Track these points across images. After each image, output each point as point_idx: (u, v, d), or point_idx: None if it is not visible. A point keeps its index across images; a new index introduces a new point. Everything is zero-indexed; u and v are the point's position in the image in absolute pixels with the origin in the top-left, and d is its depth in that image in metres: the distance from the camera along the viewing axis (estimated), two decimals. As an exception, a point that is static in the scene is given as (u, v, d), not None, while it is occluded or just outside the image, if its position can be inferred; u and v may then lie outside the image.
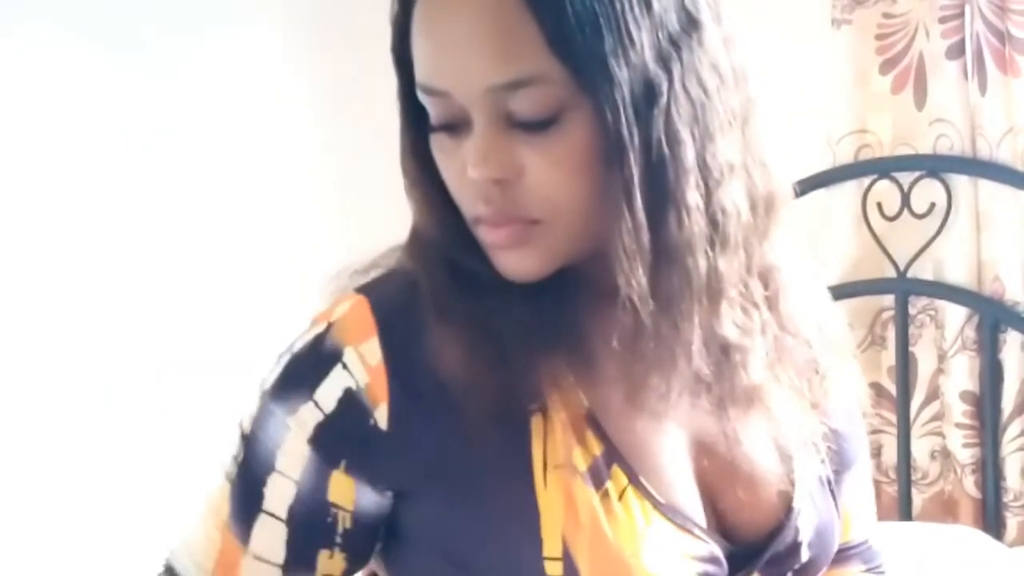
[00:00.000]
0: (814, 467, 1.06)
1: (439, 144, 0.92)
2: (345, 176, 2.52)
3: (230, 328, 2.34)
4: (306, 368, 0.94)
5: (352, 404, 0.92)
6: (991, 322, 2.23)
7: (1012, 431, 2.24)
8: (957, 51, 2.24)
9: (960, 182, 2.26)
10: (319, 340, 0.94)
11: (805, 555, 1.04)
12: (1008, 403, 2.24)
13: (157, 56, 2.27)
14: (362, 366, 0.92)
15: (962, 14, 2.23)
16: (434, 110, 0.91)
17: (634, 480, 0.94)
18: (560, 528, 0.91)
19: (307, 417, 0.93)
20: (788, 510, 1.03)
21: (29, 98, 2.15)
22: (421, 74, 0.90)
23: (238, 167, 2.40)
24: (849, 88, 2.32)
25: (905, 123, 2.31)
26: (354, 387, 0.92)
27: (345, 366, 0.92)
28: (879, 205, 2.32)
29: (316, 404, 0.93)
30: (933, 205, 2.28)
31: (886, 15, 2.29)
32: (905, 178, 2.30)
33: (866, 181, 2.33)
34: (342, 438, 0.93)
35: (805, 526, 1.04)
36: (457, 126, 0.90)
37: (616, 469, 0.93)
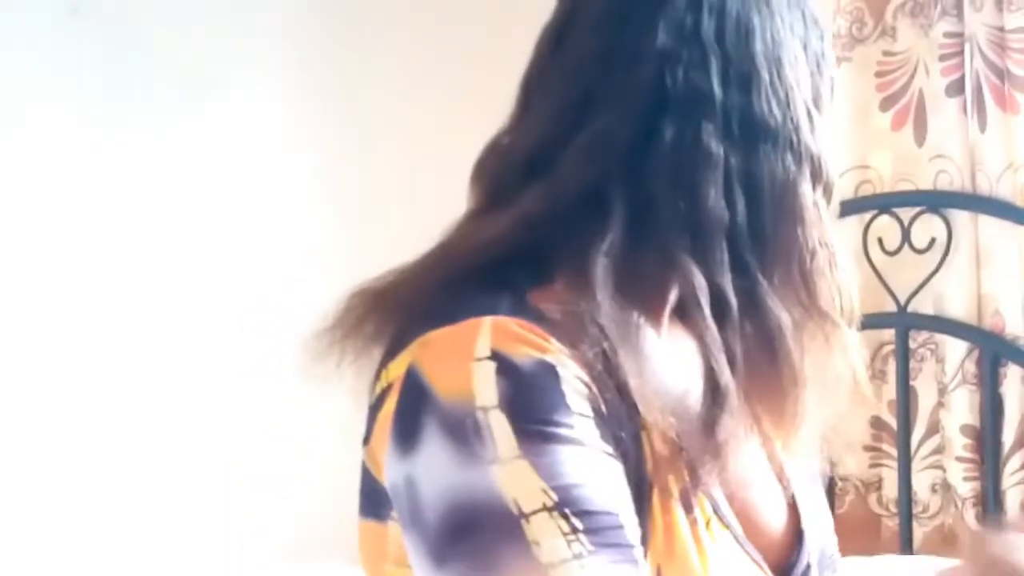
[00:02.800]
0: (811, 486, 1.07)
1: None
2: (346, 237, 2.55)
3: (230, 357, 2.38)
4: (535, 395, 0.85)
5: (594, 399, 0.87)
6: (991, 356, 2.24)
7: (1013, 464, 2.24)
8: (957, 88, 2.27)
9: (960, 217, 2.28)
10: (509, 368, 0.85)
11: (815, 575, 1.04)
12: (1009, 437, 2.25)
13: (155, 126, 2.33)
14: (569, 360, 0.86)
15: (962, 52, 2.27)
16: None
17: (717, 510, 0.93)
18: (658, 553, 0.89)
19: (588, 430, 0.85)
20: (798, 533, 1.03)
21: (32, 171, 2.20)
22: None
23: (240, 232, 2.44)
24: (850, 124, 2.35)
25: (905, 159, 2.34)
26: (586, 380, 0.86)
27: (560, 368, 0.86)
28: (880, 240, 2.35)
29: (583, 415, 0.85)
30: (933, 240, 2.30)
31: (886, 52, 2.33)
32: (905, 213, 2.32)
33: (867, 216, 2.35)
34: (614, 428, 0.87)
35: (813, 547, 1.04)
36: None
37: (702, 497, 0.92)
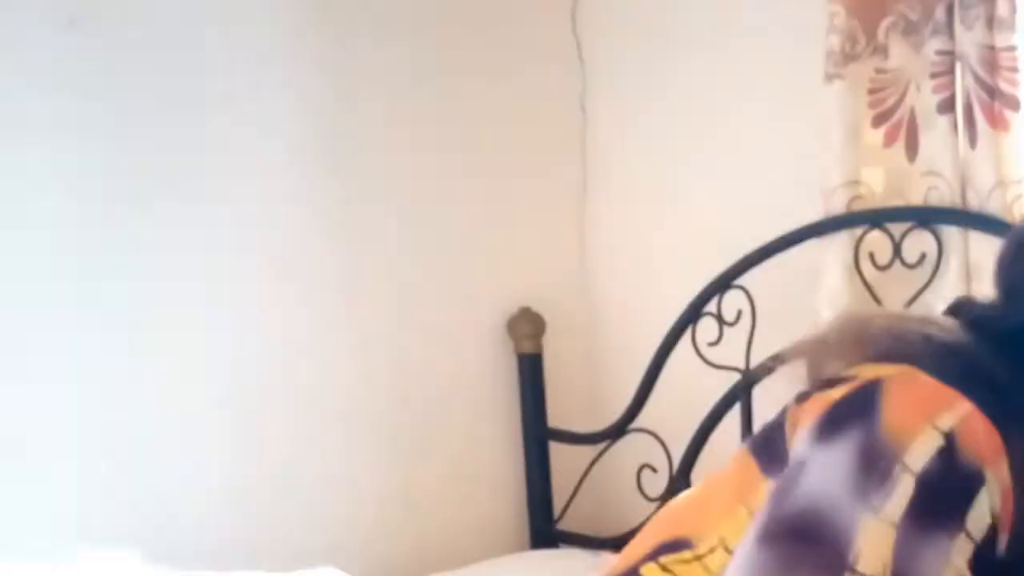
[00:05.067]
0: None
1: None
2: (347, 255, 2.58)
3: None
4: (951, 491, 0.86)
5: (994, 533, 0.87)
6: (981, 371, 2.26)
7: (1001, 478, 2.26)
8: (948, 106, 2.29)
9: (950, 233, 2.30)
10: (950, 456, 0.86)
11: None
12: (998, 450, 2.26)
13: (153, 137, 2.36)
14: (997, 489, 0.87)
15: (953, 70, 2.29)
16: None
17: None
18: None
19: (961, 549, 0.85)
20: None
21: (30, 182, 2.23)
22: None
23: (237, 236, 2.46)
24: (842, 141, 2.37)
25: (897, 175, 2.36)
26: (995, 512, 0.87)
27: (987, 489, 0.86)
28: (871, 255, 2.37)
29: (968, 534, 0.86)
30: (924, 255, 2.32)
31: (878, 70, 2.35)
32: (896, 229, 2.34)
33: (858, 231, 2.37)
34: (988, 570, 0.87)
35: None
36: None
37: None
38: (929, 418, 0.86)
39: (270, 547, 2.45)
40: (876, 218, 2.36)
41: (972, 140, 2.26)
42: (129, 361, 2.34)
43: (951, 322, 1.00)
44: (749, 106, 2.58)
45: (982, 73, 2.24)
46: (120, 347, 2.33)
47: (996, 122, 2.24)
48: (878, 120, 2.37)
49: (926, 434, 0.85)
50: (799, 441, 0.91)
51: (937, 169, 2.31)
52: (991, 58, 2.24)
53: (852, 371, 0.93)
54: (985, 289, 2.25)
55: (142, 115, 2.35)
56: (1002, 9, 2.21)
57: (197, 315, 2.41)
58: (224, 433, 2.43)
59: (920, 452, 0.85)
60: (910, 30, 2.33)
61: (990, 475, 0.86)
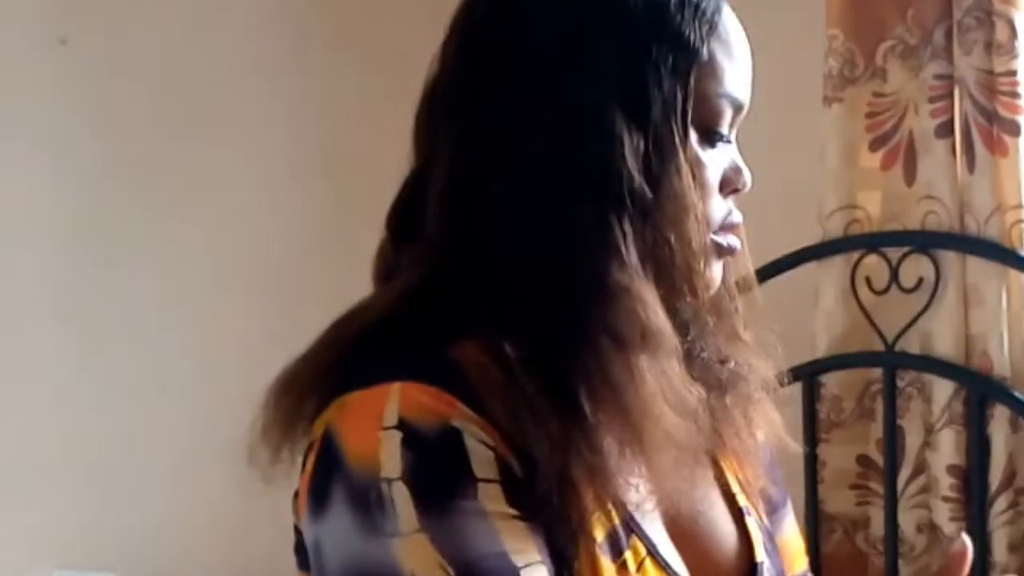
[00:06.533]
0: (762, 518, 1.09)
1: (712, 159, 0.98)
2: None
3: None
4: (438, 464, 0.86)
5: (503, 461, 0.87)
6: (978, 397, 2.25)
7: (999, 505, 2.24)
8: (946, 130, 2.29)
9: (948, 258, 2.30)
10: (414, 437, 0.85)
11: None
12: (995, 477, 2.25)
13: (143, 154, 2.35)
14: (476, 427, 0.87)
15: (951, 94, 2.28)
16: (724, 124, 0.99)
17: (652, 551, 0.93)
18: None
19: (489, 496, 0.86)
20: (752, 566, 1.04)
21: (20, 199, 2.22)
22: (735, 87, 0.98)
23: (235, 249, 2.45)
24: (839, 164, 2.36)
25: (894, 199, 2.35)
26: (491, 446, 0.87)
27: (467, 435, 0.86)
28: (868, 279, 2.36)
29: (486, 480, 0.86)
30: (921, 280, 2.31)
31: (876, 94, 2.35)
32: (894, 253, 2.33)
33: (855, 255, 2.36)
34: (522, 493, 0.87)
35: None
36: (722, 140, 0.99)
37: (635, 539, 0.92)
38: (376, 425, 0.86)
39: (259, 570, 2.43)
40: (873, 242, 2.35)
41: (970, 165, 2.26)
42: (110, 381, 2.33)
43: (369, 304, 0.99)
44: (745, 128, 2.56)
45: (980, 98, 2.24)
46: (101, 367, 2.31)
47: (994, 147, 2.23)
48: (876, 144, 2.36)
49: (383, 440, 0.85)
50: (305, 530, 0.91)
51: (935, 193, 2.30)
52: (989, 83, 2.23)
53: (310, 434, 0.92)
54: (984, 314, 2.26)
55: (132, 131, 2.34)
56: (1001, 34, 2.20)
57: (183, 334, 2.40)
58: (210, 453, 2.41)
59: (390, 459, 0.85)
60: (909, 54, 2.32)
61: (459, 423, 0.86)
